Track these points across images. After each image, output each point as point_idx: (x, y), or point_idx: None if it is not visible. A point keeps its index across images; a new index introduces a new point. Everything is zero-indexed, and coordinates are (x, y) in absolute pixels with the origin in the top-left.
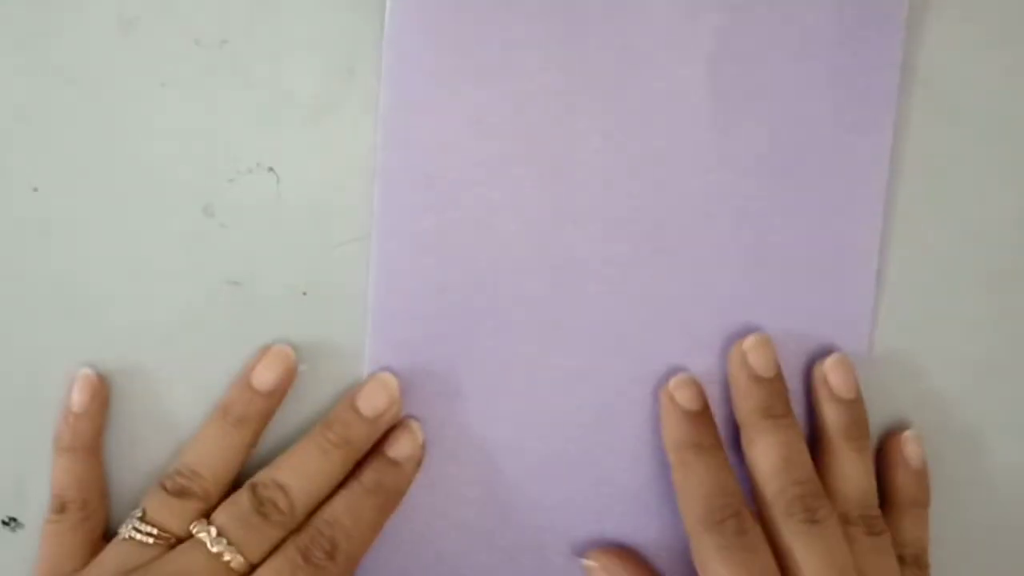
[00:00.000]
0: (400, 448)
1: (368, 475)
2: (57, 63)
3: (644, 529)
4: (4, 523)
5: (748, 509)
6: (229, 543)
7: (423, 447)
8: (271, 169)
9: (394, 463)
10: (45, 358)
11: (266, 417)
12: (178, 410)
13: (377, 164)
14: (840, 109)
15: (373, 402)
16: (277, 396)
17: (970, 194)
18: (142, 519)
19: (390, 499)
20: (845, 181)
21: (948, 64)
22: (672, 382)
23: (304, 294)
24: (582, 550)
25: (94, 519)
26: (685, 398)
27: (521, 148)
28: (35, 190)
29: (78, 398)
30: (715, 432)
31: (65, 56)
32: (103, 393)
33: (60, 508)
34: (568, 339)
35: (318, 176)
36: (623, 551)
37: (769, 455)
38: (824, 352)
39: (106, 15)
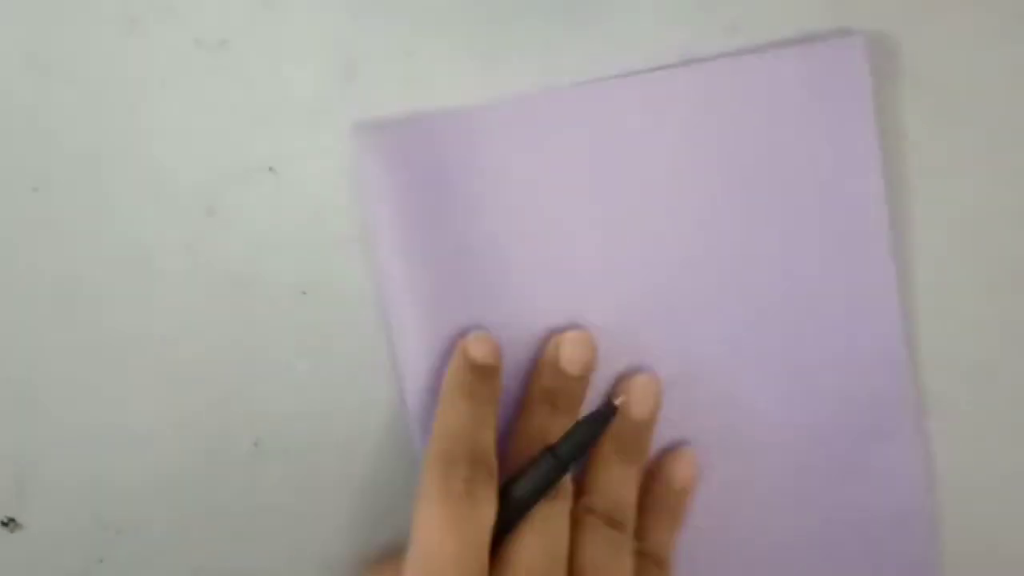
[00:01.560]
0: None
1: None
2: (57, 63)
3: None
4: (4, 523)
5: (493, 468)
6: None
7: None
8: (271, 169)
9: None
10: (45, 358)
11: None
12: (178, 408)
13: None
14: (824, 164)
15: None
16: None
17: (972, 196)
18: None
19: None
20: (845, 229)
21: (947, 65)
22: (469, 336)
23: (304, 294)
24: None
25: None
26: (479, 352)
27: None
28: (35, 190)
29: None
30: (494, 390)
31: (65, 56)
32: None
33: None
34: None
35: (318, 176)
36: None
37: (526, 432)
38: (869, 430)
39: (107, 15)
